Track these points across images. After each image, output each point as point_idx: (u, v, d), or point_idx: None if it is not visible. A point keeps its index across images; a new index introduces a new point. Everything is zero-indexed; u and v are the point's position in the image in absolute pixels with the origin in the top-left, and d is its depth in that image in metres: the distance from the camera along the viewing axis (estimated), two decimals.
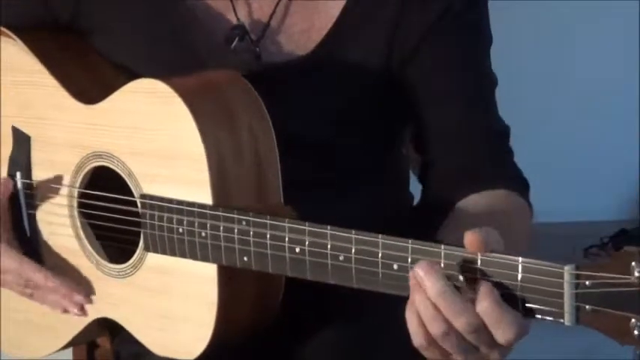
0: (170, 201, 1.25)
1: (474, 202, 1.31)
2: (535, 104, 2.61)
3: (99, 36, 1.39)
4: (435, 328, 1.06)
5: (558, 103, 2.61)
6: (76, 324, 1.39)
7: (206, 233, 1.22)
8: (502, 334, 1.05)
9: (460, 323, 1.05)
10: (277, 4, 1.35)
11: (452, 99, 1.35)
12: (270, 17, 1.35)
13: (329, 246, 1.14)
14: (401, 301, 1.43)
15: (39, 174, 1.40)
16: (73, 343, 1.43)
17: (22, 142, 1.40)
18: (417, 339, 1.09)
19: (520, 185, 1.37)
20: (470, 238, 1.05)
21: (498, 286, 1.03)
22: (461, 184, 1.32)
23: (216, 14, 1.36)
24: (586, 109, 2.60)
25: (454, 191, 1.32)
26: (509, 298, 1.03)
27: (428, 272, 1.06)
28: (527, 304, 1.03)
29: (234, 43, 1.34)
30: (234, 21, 1.35)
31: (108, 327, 1.41)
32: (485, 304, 1.04)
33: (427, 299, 1.06)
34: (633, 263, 0.97)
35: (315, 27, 1.35)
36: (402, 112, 1.38)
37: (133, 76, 1.31)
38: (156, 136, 1.27)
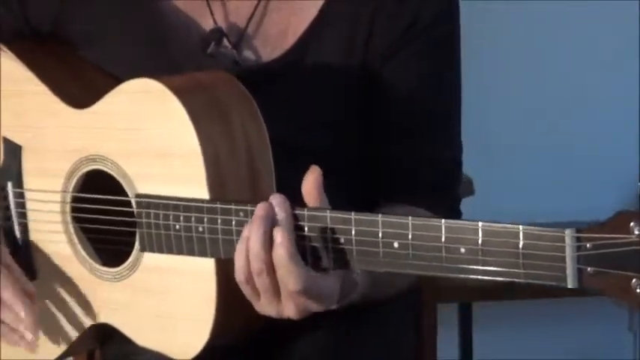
0: (166, 198, 1.26)
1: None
2: (535, 104, 2.63)
3: (79, 44, 1.41)
4: (257, 264, 1.15)
5: (558, 103, 2.64)
6: (71, 333, 1.38)
7: (203, 228, 1.23)
8: (292, 283, 1.15)
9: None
10: (256, 6, 1.36)
11: (402, 126, 1.37)
12: (249, 20, 1.36)
13: (329, 230, 1.15)
14: (393, 303, 1.45)
15: (30, 182, 1.40)
16: (70, 353, 1.42)
17: (12, 151, 1.41)
18: (240, 274, 1.17)
19: (448, 214, 1.37)
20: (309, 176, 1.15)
21: (501, 254, 1.05)
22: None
23: (192, 18, 1.37)
24: (586, 109, 2.63)
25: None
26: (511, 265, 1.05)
27: (283, 205, 1.15)
28: (528, 271, 1.04)
29: (211, 47, 1.35)
30: (210, 24, 1.36)
31: (99, 338, 1.41)
32: (279, 253, 1.14)
33: (265, 234, 1.14)
34: (632, 223, 0.99)
35: (291, 28, 1.36)
36: (373, 113, 1.39)
37: (119, 80, 1.32)
38: (150, 135, 1.28)
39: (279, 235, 1.14)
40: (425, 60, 1.36)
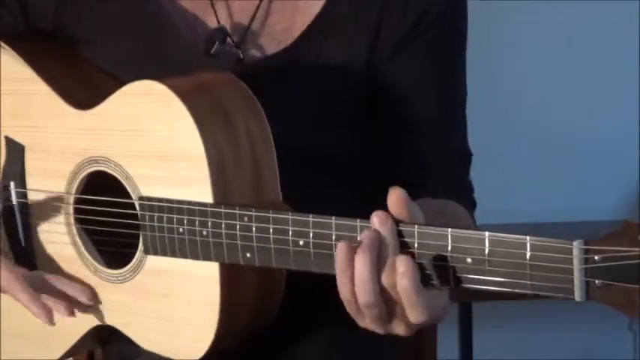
0: (169, 201, 1.26)
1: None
2: (535, 104, 2.64)
3: (82, 46, 1.40)
4: (365, 297, 1.09)
5: (558, 103, 2.64)
6: (72, 333, 1.38)
7: (207, 231, 1.23)
8: (415, 315, 1.09)
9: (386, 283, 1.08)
10: (259, 4, 1.36)
11: (414, 121, 1.36)
12: (252, 19, 1.36)
13: (334, 237, 1.14)
14: None
15: (34, 183, 1.39)
16: (70, 354, 1.42)
17: (15, 151, 1.40)
18: (344, 292, 1.11)
19: (468, 205, 1.38)
20: (396, 193, 1.07)
21: (506, 265, 1.05)
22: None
23: (195, 17, 1.37)
24: (586, 109, 2.63)
25: None
26: (517, 276, 1.05)
27: (391, 227, 1.08)
28: (535, 283, 1.04)
29: (215, 47, 1.35)
30: (213, 23, 1.36)
31: (100, 339, 1.41)
32: (404, 284, 1.06)
33: (372, 265, 1.07)
34: None
35: (295, 25, 1.36)
36: (381, 110, 1.39)
37: (122, 81, 1.31)
38: (154, 138, 1.28)
39: (403, 265, 1.07)
40: (432, 54, 1.36)
